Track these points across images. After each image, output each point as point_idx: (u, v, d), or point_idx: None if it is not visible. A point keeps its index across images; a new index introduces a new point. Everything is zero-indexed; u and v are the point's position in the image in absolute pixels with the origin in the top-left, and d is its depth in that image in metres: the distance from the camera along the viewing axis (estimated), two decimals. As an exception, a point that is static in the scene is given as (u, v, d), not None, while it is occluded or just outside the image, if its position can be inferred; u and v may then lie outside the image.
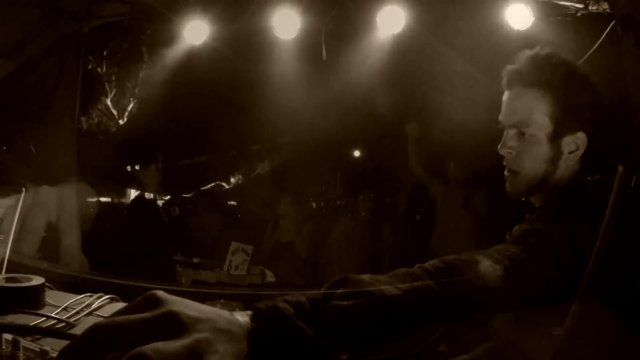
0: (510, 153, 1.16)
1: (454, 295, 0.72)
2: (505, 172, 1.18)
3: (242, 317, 0.57)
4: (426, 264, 0.79)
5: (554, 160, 1.12)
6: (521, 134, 1.14)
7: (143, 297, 0.53)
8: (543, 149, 1.12)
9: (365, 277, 0.70)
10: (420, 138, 4.21)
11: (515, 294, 0.81)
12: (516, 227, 1.07)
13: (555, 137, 1.12)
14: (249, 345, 0.54)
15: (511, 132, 1.15)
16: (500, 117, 1.19)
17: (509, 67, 1.18)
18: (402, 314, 0.67)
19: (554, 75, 1.12)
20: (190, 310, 0.52)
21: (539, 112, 1.12)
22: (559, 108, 1.11)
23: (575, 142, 1.12)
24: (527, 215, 1.13)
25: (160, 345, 0.47)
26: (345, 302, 0.63)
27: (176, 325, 0.50)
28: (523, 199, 1.19)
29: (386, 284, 0.68)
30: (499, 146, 1.17)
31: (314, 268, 4.48)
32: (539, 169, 1.13)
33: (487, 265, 0.81)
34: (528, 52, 1.17)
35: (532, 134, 1.13)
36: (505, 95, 1.19)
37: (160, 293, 0.53)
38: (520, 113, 1.14)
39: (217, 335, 0.52)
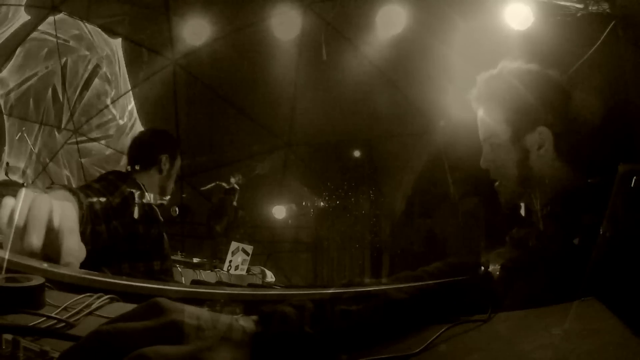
0: (489, 166, 1.23)
1: (456, 296, 0.73)
2: (495, 185, 1.24)
3: (247, 323, 0.57)
4: (429, 267, 0.80)
5: (524, 160, 1.18)
6: (491, 146, 1.21)
7: (146, 304, 0.53)
8: (511, 153, 1.18)
9: (370, 280, 0.70)
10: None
11: (516, 295, 0.82)
12: (514, 229, 1.09)
13: (516, 139, 1.18)
14: (252, 351, 0.54)
15: (486, 147, 1.23)
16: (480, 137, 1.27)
17: (471, 92, 1.25)
18: (407, 318, 0.67)
19: (503, 84, 1.19)
20: (192, 318, 0.52)
21: (497, 121, 1.19)
22: (511, 110, 1.17)
23: (539, 138, 1.16)
24: (527, 219, 1.14)
25: (162, 348, 0.47)
26: (352, 307, 0.63)
27: (178, 334, 0.50)
28: (520, 204, 1.21)
29: (391, 288, 0.69)
30: (480, 162, 1.25)
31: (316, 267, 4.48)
32: (514, 173, 1.19)
33: (488, 268, 0.82)
34: (482, 74, 1.25)
35: (498, 143, 1.20)
36: (477, 117, 1.26)
37: (163, 300, 0.53)
38: (485, 127, 1.23)
39: (218, 343, 0.52)
